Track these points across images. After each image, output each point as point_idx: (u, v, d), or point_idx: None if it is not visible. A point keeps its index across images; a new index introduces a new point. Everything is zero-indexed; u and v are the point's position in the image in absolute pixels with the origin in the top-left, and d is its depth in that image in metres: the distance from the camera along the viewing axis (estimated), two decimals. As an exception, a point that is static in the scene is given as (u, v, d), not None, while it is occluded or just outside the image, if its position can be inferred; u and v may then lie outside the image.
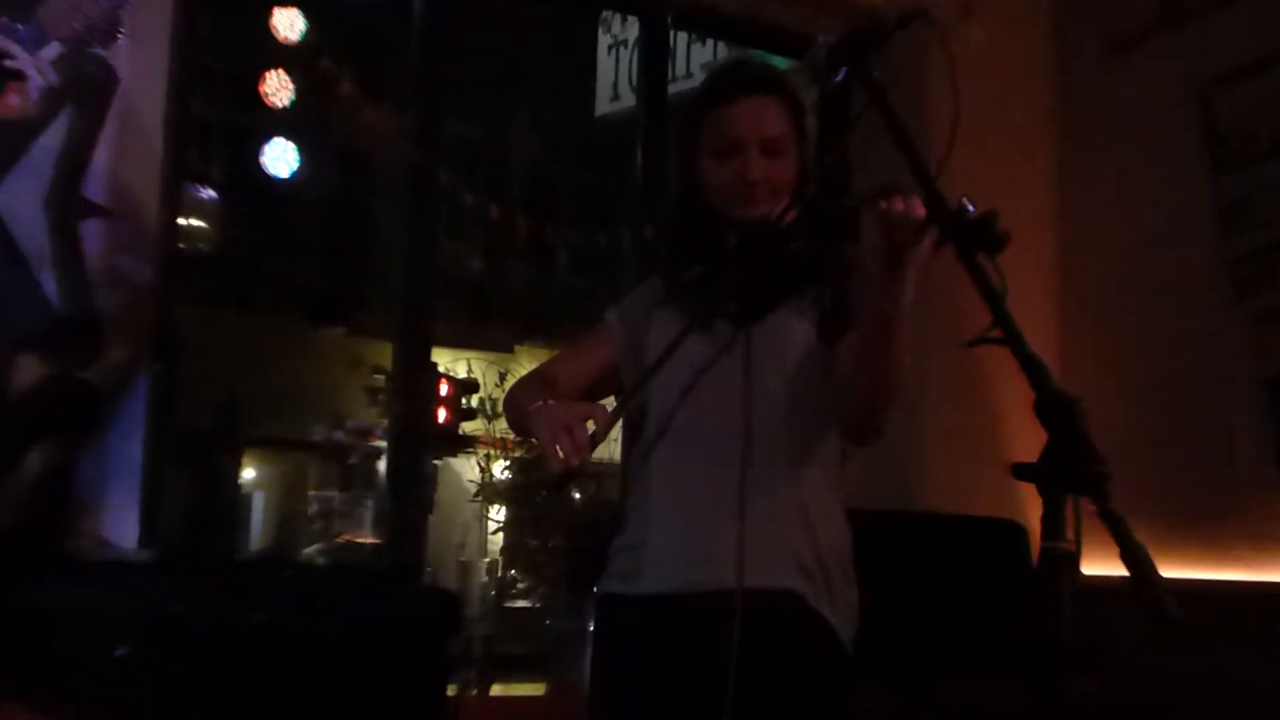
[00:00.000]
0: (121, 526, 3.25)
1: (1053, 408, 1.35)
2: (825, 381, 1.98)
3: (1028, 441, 1.35)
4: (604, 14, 7.06)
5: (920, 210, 1.64)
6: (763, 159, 2.02)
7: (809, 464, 2.01)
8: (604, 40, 7.25)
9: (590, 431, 1.81)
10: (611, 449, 2.08)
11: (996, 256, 1.50)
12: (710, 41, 5.93)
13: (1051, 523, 1.32)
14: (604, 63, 7.28)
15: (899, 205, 1.67)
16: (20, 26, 3.15)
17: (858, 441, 2.04)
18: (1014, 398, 1.47)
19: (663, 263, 2.20)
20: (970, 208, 1.54)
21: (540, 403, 1.89)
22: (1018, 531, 4.01)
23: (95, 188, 3.27)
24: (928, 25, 1.64)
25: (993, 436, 4.16)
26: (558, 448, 1.79)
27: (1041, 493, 1.33)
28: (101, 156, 3.27)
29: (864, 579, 2.06)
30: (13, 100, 3.16)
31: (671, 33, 5.19)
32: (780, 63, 3.79)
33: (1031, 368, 1.40)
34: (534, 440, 1.88)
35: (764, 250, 1.99)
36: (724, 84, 2.10)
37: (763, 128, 2.03)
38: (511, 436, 12.31)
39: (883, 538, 2.69)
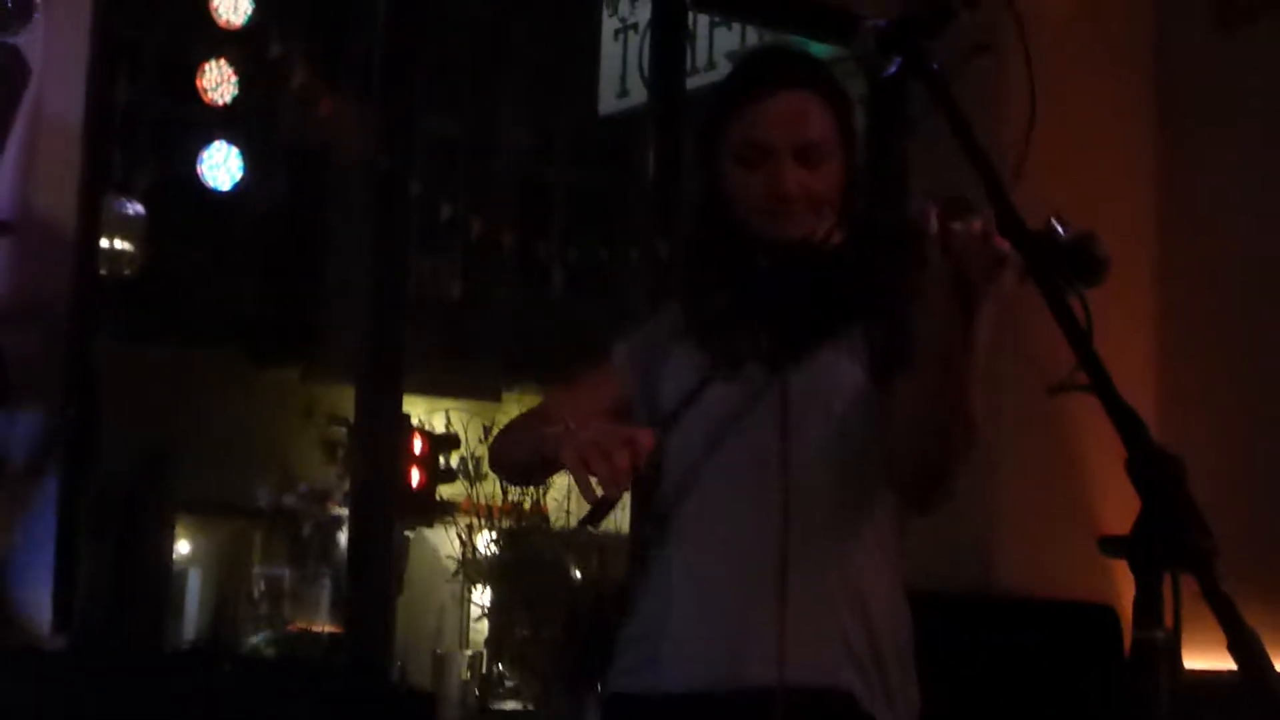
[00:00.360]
0: (31, 607, 3.26)
1: (1149, 468, 1.36)
2: (878, 435, 1.97)
3: (1119, 509, 1.36)
4: (609, -10, 7.11)
5: (1003, 240, 1.62)
6: (800, 167, 2.02)
7: (861, 535, 2.01)
8: (609, 24, 7.28)
9: (632, 461, 1.79)
10: (619, 518, 2.08)
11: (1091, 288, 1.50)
12: (736, 25, 5.95)
13: (1147, 606, 1.33)
14: (609, 50, 7.30)
15: (975, 230, 1.65)
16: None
17: (919, 508, 2.03)
18: (1103, 457, 1.48)
19: (681, 289, 2.22)
20: (1061, 229, 1.53)
21: (562, 426, 1.90)
22: (1108, 616, 4.00)
23: (0, 200, 3.30)
24: (1001, 2, 1.63)
25: (1078, 503, 4.15)
26: (592, 475, 1.78)
27: (1135, 570, 1.34)
28: (8, 162, 3.30)
29: (926, 674, 2.06)
30: None
31: (690, 15, 5.22)
32: (821, 50, 3.82)
33: (1124, 420, 1.40)
34: (536, 482, 1.86)
35: (803, 276, 2.00)
36: (753, 76, 2.12)
37: (800, 130, 2.03)
38: (499, 502, 12.30)
39: (949, 624, 2.70)
